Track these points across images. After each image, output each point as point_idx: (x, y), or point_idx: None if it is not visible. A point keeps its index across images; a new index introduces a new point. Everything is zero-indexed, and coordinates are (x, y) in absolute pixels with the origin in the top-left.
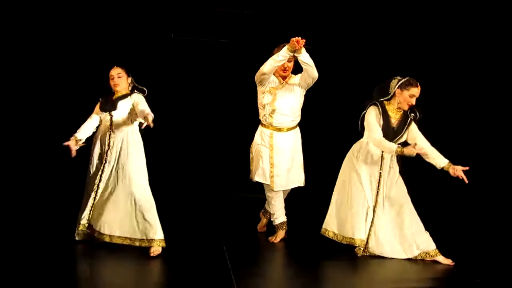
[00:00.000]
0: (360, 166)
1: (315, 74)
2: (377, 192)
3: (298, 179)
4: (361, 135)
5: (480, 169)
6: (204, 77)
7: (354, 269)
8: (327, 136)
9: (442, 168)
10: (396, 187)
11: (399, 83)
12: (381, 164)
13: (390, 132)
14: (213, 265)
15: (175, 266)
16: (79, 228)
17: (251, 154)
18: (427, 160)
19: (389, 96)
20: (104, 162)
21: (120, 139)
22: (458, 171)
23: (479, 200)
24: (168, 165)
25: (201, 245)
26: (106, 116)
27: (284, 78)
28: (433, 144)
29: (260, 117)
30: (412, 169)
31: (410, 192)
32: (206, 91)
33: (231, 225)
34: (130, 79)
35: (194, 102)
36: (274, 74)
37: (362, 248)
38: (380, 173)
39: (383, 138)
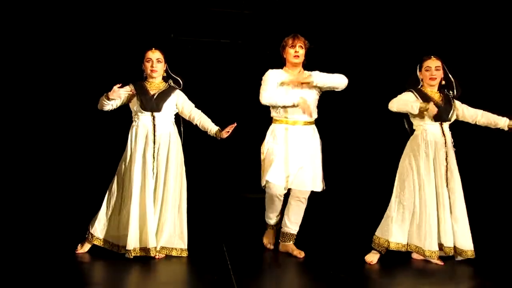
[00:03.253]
0: (422, 162)
1: (343, 85)
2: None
3: (314, 182)
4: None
5: (481, 169)
6: (204, 77)
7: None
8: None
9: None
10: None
11: (417, 66)
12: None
13: (442, 111)
14: (214, 266)
15: (175, 266)
16: (130, 252)
17: (262, 156)
18: (488, 125)
19: (421, 83)
20: (152, 169)
21: (165, 142)
22: None
23: (479, 200)
24: None
25: (201, 245)
26: (144, 114)
27: (295, 65)
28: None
29: (274, 113)
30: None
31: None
32: (206, 91)
33: (231, 226)
34: (165, 66)
35: (194, 102)
36: (286, 67)
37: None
38: (446, 161)
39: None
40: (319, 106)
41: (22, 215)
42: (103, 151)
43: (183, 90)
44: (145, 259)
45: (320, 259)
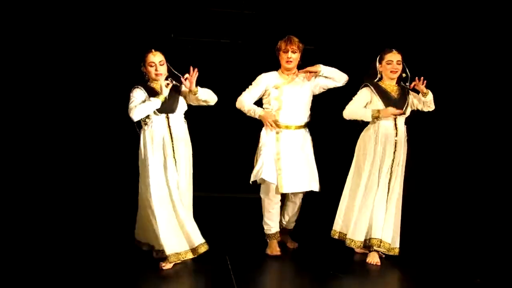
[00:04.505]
0: (373, 151)
1: (343, 80)
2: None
3: (309, 183)
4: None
5: (480, 169)
6: (204, 77)
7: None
8: (332, 138)
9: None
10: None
11: (377, 58)
12: (395, 146)
13: (397, 105)
14: (214, 267)
15: (175, 266)
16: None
17: (256, 156)
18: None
19: (379, 76)
20: (174, 170)
21: (180, 141)
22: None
23: (479, 200)
24: None
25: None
26: (158, 116)
27: (288, 70)
28: (432, 143)
29: None
30: (414, 169)
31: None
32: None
33: (231, 226)
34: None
35: None
36: (280, 70)
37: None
38: (394, 154)
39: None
40: (317, 108)
41: (21, 215)
42: (104, 151)
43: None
44: (142, 260)
45: (320, 259)
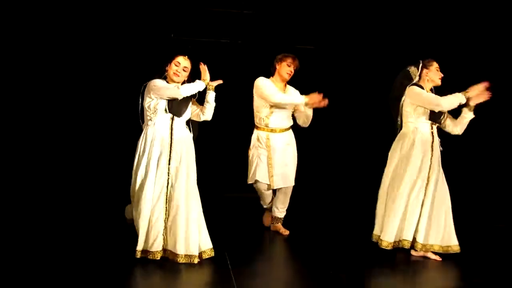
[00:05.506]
0: (410, 159)
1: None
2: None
3: (293, 177)
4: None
5: (480, 169)
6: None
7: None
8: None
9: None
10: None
11: (421, 64)
12: (431, 154)
13: (436, 114)
14: (213, 265)
15: (174, 266)
16: (149, 256)
17: (249, 158)
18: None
19: (417, 79)
20: (167, 172)
21: (181, 145)
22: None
23: (479, 200)
24: None
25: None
26: (164, 116)
27: (284, 80)
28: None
29: (256, 120)
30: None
31: None
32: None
33: (230, 225)
34: (188, 76)
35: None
36: (274, 78)
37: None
38: (431, 161)
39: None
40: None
41: (22, 215)
42: (105, 149)
43: None
44: (141, 258)
45: (320, 259)
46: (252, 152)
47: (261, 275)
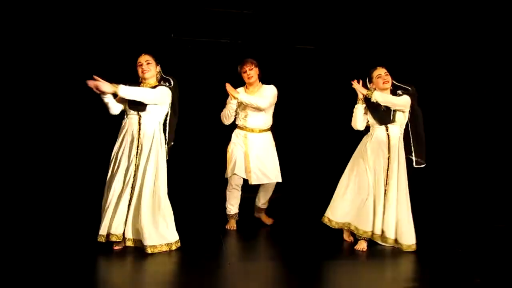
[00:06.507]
0: (367, 154)
1: (259, 107)
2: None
3: (273, 175)
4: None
5: (480, 169)
6: (204, 77)
7: (354, 267)
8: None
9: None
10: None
11: (367, 80)
12: (388, 150)
13: (384, 116)
14: (212, 264)
15: (174, 265)
16: (112, 239)
17: (227, 154)
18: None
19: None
20: (134, 164)
21: (149, 139)
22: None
23: (479, 200)
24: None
25: (200, 244)
26: (132, 113)
27: (250, 84)
28: (432, 142)
29: (236, 120)
30: (414, 169)
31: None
32: (205, 91)
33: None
34: (158, 68)
35: (194, 102)
36: (243, 87)
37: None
38: (388, 159)
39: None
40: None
41: (21, 215)
42: (105, 149)
43: (182, 90)
44: (140, 257)
45: (312, 252)
46: (231, 147)
47: (260, 273)
